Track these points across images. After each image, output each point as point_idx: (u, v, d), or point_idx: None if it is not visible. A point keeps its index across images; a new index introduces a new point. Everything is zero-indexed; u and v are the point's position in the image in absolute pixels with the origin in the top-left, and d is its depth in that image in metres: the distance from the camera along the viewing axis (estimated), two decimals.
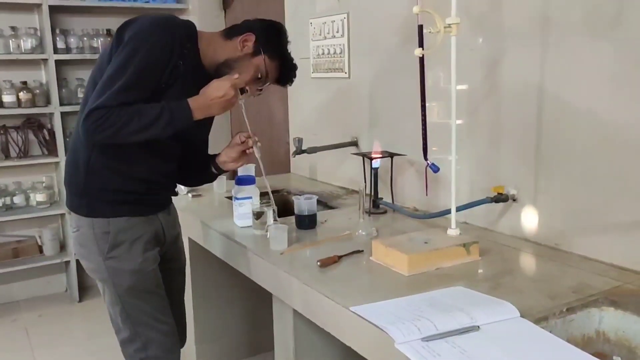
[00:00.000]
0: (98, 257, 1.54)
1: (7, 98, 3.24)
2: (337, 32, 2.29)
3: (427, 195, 1.69)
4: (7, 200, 3.35)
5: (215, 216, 1.99)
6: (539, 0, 1.49)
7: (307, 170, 2.67)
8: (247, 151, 1.66)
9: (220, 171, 1.73)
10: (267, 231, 1.68)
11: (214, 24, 3.41)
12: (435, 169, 1.47)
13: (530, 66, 1.53)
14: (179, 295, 1.83)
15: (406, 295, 1.22)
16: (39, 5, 3.27)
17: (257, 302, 2.45)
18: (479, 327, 1.05)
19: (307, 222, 1.77)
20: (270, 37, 1.59)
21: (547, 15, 1.48)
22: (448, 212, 1.57)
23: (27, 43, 3.29)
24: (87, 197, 1.53)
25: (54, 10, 3.28)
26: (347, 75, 2.28)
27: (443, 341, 1.01)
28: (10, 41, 3.26)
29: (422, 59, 1.40)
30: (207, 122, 1.66)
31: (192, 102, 1.45)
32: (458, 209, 1.53)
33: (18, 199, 3.38)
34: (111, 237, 1.53)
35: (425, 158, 1.46)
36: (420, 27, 1.36)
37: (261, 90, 1.62)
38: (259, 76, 1.57)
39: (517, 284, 1.30)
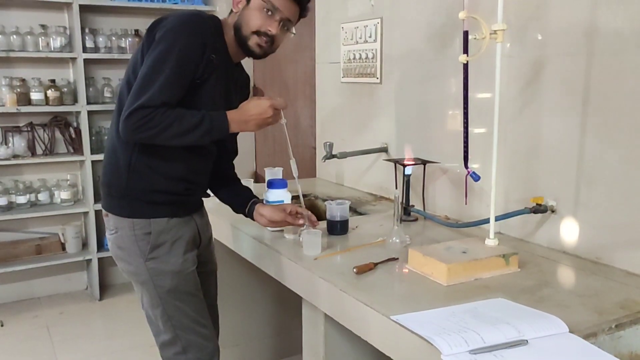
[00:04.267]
0: (139, 258, 1.53)
1: (35, 96, 3.27)
2: (370, 37, 2.27)
3: (466, 204, 1.66)
4: (32, 197, 3.37)
5: (244, 219, 1.97)
6: (584, 9, 1.46)
7: (333, 175, 2.65)
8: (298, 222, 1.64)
9: (249, 216, 1.72)
10: (299, 235, 1.66)
11: None
12: (477, 177, 1.45)
13: (574, 76, 1.50)
14: (213, 299, 1.82)
15: (445, 306, 1.20)
16: (69, 5, 3.30)
17: (281, 306, 2.44)
18: (527, 341, 1.02)
19: (339, 228, 1.75)
20: None
21: (593, 24, 1.45)
22: (486, 221, 1.55)
23: (57, 41, 3.32)
24: (128, 198, 1.53)
25: (83, 9, 3.31)
26: (378, 81, 2.26)
27: (491, 355, 0.98)
28: (40, 39, 3.30)
29: (466, 66, 1.37)
30: None
31: (230, 114, 1.46)
32: (496, 219, 1.50)
33: (43, 196, 3.41)
34: (152, 238, 1.53)
35: (466, 166, 1.44)
36: (466, 33, 1.34)
37: (288, 29, 1.52)
38: (269, 12, 1.48)
39: (560, 297, 1.26)
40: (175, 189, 1.56)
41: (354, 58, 2.38)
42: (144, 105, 1.35)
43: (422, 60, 2.05)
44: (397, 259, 1.50)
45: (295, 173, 1.61)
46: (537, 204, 1.57)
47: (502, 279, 1.37)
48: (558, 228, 1.58)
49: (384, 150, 2.28)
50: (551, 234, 1.61)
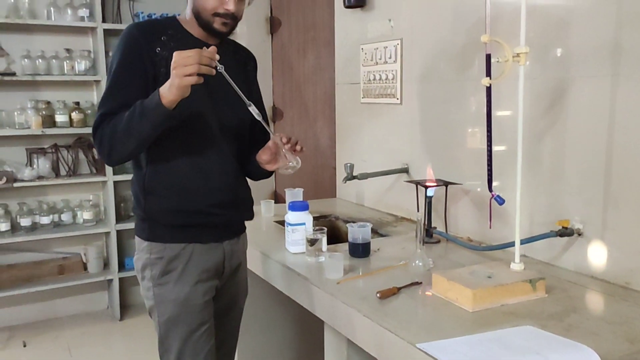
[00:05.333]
0: (149, 282, 1.51)
1: (60, 118, 3.34)
2: (390, 57, 2.28)
3: (490, 228, 1.64)
4: (55, 217, 3.42)
5: (265, 241, 1.98)
6: (609, 29, 1.45)
7: (353, 195, 2.64)
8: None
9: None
10: (318, 256, 1.67)
11: (261, 48, 3.45)
12: (501, 201, 1.43)
13: (599, 97, 1.48)
14: (228, 334, 1.71)
15: (472, 333, 1.17)
16: (93, 29, 3.38)
17: (303, 330, 2.42)
18: None
19: (360, 250, 1.74)
20: None
21: (619, 44, 1.43)
22: (510, 245, 1.52)
23: (81, 65, 3.40)
24: (148, 221, 1.51)
25: (107, 33, 3.38)
26: (399, 101, 2.26)
27: None
28: (65, 63, 3.37)
29: (489, 89, 1.36)
30: (234, 105, 1.46)
31: (162, 87, 1.33)
32: (521, 242, 1.48)
33: (66, 217, 3.46)
34: (163, 263, 1.49)
35: (490, 190, 1.42)
36: (489, 56, 1.34)
37: None
38: None
39: (590, 325, 1.23)
40: (195, 206, 1.49)
41: (374, 79, 2.39)
42: (92, 131, 1.41)
43: (443, 80, 2.04)
44: (421, 283, 1.48)
45: (257, 116, 1.43)
46: (563, 227, 1.54)
47: (529, 305, 1.34)
48: (585, 252, 1.55)
49: (405, 170, 2.26)
50: (578, 257, 1.57)
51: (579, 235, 1.55)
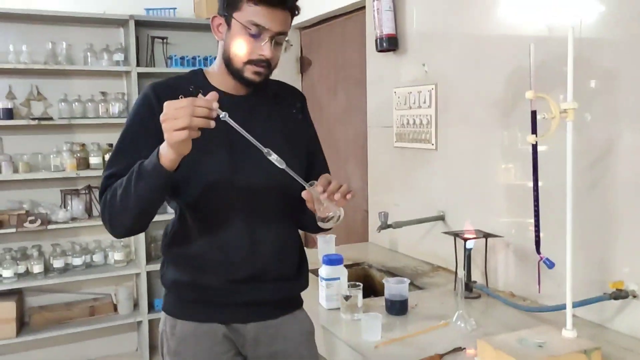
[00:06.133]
0: (167, 356, 1.39)
1: (94, 160, 3.39)
2: (424, 102, 2.23)
3: (539, 292, 1.55)
4: (87, 258, 3.43)
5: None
6: None
7: (387, 241, 2.57)
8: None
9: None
10: (354, 313, 1.60)
11: None
12: (551, 265, 1.35)
13: None
14: None
15: None
16: (128, 72, 3.44)
17: None
18: None
19: (398, 308, 1.67)
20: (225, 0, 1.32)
21: None
22: (560, 308, 1.43)
23: (115, 107, 3.45)
24: (165, 289, 1.41)
25: (141, 76, 3.43)
26: (434, 147, 2.21)
27: None
28: (100, 105, 3.43)
29: (535, 146, 1.30)
30: (267, 165, 1.19)
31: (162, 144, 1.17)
32: (573, 306, 1.38)
33: (97, 257, 3.47)
34: (175, 342, 1.36)
35: (538, 252, 1.34)
36: (534, 113, 1.28)
37: (280, 43, 1.31)
38: (253, 33, 1.27)
39: None
40: (211, 281, 1.34)
41: (408, 123, 2.34)
42: (99, 196, 1.29)
43: (480, 127, 1.98)
44: (464, 349, 1.40)
45: (280, 164, 1.18)
46: (617, 289, 1.44)
47: None
48: None
49: (441, 218, 2.19)
50: (634, 321, 1.47)
51: (634, 297, 1.45)
